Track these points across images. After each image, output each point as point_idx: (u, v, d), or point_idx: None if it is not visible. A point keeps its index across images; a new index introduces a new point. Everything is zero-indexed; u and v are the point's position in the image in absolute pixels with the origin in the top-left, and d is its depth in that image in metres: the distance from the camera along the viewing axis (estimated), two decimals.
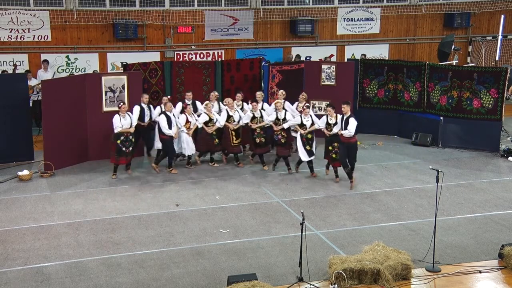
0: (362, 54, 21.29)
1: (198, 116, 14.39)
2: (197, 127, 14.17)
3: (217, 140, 14.24)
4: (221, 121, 14.15)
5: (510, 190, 13.00)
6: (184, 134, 13.98)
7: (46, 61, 18.63)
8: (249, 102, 14.55)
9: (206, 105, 14.39)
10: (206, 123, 14.18)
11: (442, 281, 8.97)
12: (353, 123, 12.55)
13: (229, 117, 14.21)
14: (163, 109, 13.95)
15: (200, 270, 9.23)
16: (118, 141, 13.20)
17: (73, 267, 9.31)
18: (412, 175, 13.94)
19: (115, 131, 13.17)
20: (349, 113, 12.70)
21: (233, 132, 14.21)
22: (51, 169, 13.71)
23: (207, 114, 14.23)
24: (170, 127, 13.61)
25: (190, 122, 14.11)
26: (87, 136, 14.48)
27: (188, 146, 14.04)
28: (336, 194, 12.57)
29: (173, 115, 13.93)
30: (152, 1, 19.84)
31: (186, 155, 14.24)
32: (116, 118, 13.24)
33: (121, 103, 13.47)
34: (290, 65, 17.24)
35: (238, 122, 14.27)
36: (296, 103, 14.73)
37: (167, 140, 13.74)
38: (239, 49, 21.05)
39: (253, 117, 14.16)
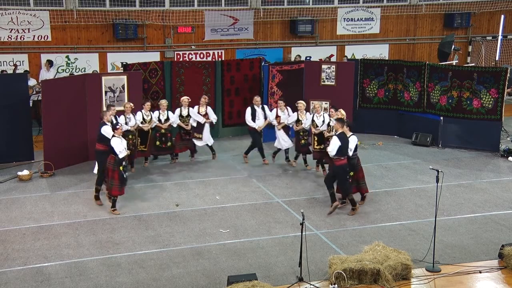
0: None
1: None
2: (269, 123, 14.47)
3: (303, 141, 14.01)
4: (306, 123, 13.78)
5: (510, 190, 12.99)
6: (278, 130, 14.34)
7: (49, 61, 18.64)
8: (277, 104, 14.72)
9: (298, 103, 14.17)
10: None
11: (442, 281, 8.98)
12: (332, 143, 11.16)
13: (312, 121, 13.73)
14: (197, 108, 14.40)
15: (200, 270, 9.23)
16: (121, 168, 11.33)
17: (73, 267, 9.31)
18: (412, 175, 13.94)
19: (120, 156, 11.25)
20: (339, 131, 11.35)
21: (315, 137, 13.62)
22: (51, 169, 13.71)
23: (298, 114, 14.06)
24: (254, 120, 14.30)
25: (280, 116, 14.31)
26: (87, 136, 14.46)
27: (284, 141, 14.36)
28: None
29: (262, 108, 14.49)
30: (152, 1, 19.84)
31: (283, 149, 14.48)
32: (116, 142, 11.29)
33: (119, 124, 11.79)
34: (290, 65, 17.24)
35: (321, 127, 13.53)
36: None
37: (254, 132, 14.46)
38: (239, 49, 21.05)
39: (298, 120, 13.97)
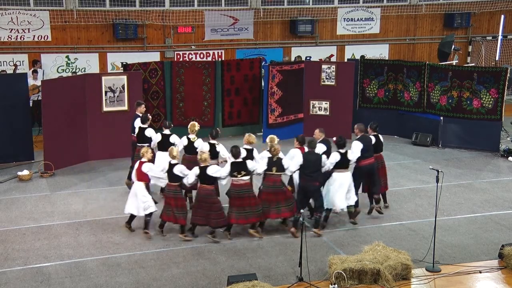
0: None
1: None
2: None
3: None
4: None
5: (510, 190, 13.00)
6: None
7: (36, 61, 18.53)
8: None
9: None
10: None
11: (442, 281, 8.98)
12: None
13: None
14: None
15: (200, 270, 9.24)
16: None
17: (73, 267, 9.32)
18: (412, 175, 13.94)
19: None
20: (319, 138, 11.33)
21: None
22: (51, 169, 13.71)
23: None
24: None
25: None
26: (87, 136, 14.48)
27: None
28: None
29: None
30: (152, 1, 19.82)
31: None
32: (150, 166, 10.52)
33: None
34: (290, 65, 17.24)
35: None
36: None
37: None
38: (239, 49, 21.03)
39: None
